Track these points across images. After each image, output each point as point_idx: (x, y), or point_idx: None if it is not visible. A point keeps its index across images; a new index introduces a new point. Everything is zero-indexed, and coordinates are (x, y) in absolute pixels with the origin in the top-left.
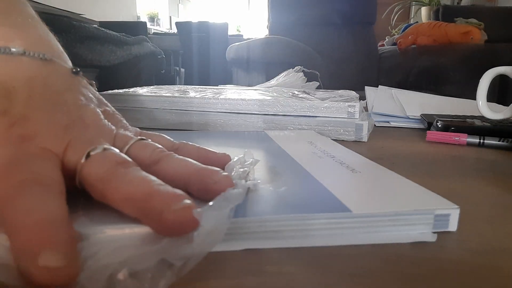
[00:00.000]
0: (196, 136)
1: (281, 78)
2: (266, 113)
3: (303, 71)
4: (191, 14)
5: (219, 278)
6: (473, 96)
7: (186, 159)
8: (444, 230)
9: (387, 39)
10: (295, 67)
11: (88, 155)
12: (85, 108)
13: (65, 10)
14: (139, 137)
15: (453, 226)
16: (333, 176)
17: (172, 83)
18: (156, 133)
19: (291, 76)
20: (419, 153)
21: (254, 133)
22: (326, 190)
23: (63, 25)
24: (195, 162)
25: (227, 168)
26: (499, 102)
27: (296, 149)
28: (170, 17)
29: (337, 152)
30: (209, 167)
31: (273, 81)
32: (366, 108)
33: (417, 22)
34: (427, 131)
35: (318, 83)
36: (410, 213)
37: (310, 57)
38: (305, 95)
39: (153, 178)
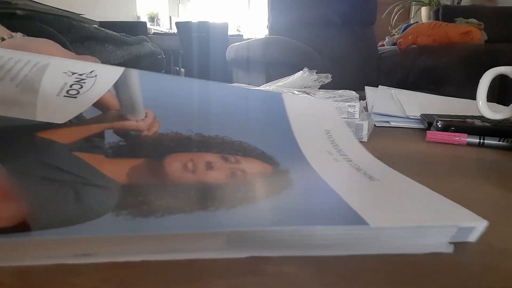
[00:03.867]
0: (204, 95)
1: (291, 78)
2: None
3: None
4: (191, 14)
5: (219, 278)
6: (473, 96)
7: None
8: (462, 240)
9: (387, 39)
10: (304, 69)
11: None
12: None
13: (65, 10)
14: None
15: (473, 237)
16: (349, 184)
17: None
18: None
19: (306, 77)
20: (419, 153)
21: (269, 98)
22: (341, 200)
23: (63, 25)
24: None
25: None
26: (499, 102)
27: (312, 145)
28: (170, 17)
29: (354, 155)
30: None
31: (283, 81)
32: (366, 108)
33: (417, 22)
34: (427, 131)
35: (323, 82)
36: (433, 226)
37: (310, 57)
38: (305, 95)
39: None
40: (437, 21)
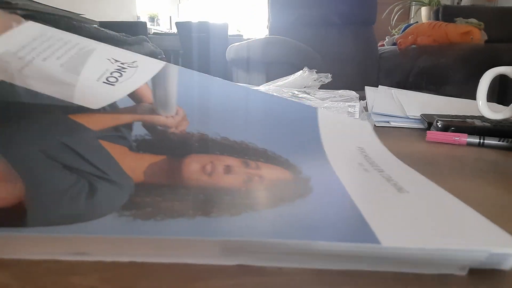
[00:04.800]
0: (237, 101)
1: (291, 77)
2: None
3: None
4: (191, 14)
5: (219, 278)
6: (473, 96)
7: None
8: (494, 268)
9: (387, 39)
10: (304, 69)
11: None
12: None
13: (65, 10)
14: None
15: (508, 265)
16: (373, 197)
17: None
18: None
19: (306, 77)
20: (419, 153)
21: (303, 111)
22: (358, 212)
23: (63, 25)
24: None
25: None
26: (499, 102)
27: (342, 156)
28: (170, 17)
29: (387, 164)
30: None
31: (283, 80)
32: (366, 108)
33: (417, 22)
34: (427, 131)
35: (323, 81)
36: (459, 250)
37: (310, 57)
38: (305, 95)
39: None
40: (437, 21)
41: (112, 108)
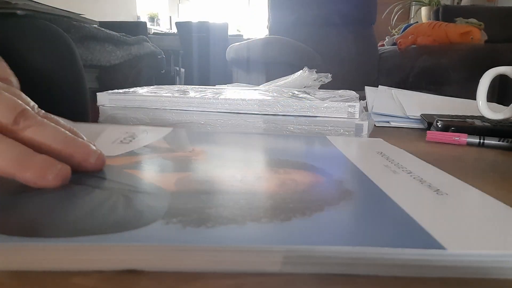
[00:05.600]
0: (248, 138)
1: (290, 77)
2: (266, 113)
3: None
4: (191, 14)
5: (219, 278)
6: (473, 96)
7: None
8: None
9: (387, 39)
10: (304, 69)
11: None
12: None
13: (65, 10)
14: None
15: None
16: (414, 199)
17: (172, 83)
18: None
19: (306, 77)
20: (419, 153)
21: (315, 139)
22: (408, 217)
23: (63, 25)
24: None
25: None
26: (499, 102)
27: (365, 160)
28: (170, 17)
29: (414, 167)
30: (83, 142)
31: (283, 80)
32: (366, 108)
33: (417, 22)
34: (427, 131)
35: (323, 81)
36: None
37: (310, 57)
38: (305, 95)
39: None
40: (437, 21)
41: (130, 154)
